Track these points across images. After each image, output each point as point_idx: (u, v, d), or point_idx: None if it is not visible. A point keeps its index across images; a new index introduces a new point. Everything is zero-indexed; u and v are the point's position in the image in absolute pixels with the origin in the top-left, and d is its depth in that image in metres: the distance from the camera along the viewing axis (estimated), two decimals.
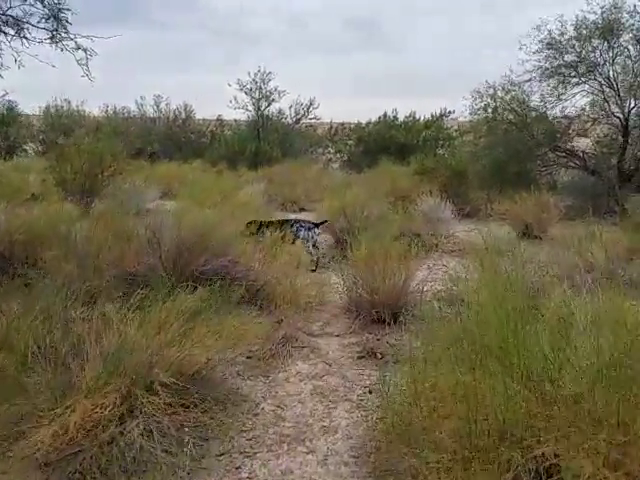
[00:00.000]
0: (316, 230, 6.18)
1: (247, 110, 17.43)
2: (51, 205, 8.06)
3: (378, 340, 4.11)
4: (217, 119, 19.26)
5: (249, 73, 17.07)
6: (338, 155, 16.40)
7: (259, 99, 17.10)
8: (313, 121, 18.14)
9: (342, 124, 16.71)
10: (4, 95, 8.03)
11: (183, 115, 20.44)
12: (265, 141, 16.05)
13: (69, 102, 22.38)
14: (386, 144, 14.53)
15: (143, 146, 19.16)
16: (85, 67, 4.27)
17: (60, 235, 4.67)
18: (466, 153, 11.00)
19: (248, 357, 3.76)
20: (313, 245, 6.09)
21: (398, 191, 8.95)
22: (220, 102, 21.21)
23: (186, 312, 3.12)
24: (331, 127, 16.47)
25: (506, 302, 2.54)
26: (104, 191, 9.68)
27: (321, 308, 4.85)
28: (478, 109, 10.32)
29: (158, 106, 20.59)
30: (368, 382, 3.46)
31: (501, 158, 9.90)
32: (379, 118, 16.26)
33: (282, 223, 6.15)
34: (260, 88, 17.03)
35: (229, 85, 16.95)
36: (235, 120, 18.18)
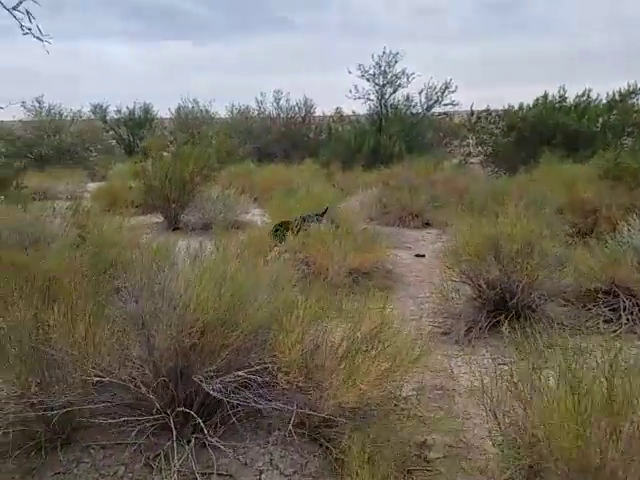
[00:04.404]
0: (323, 220, 6.06)
1: (369, 100, 15.10)
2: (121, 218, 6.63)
3: None
4: (336, 112, 17.24)
5: (372, 56, 14.72)
6: (480, 148, 13.18)
7: (383, 85, 14.62)
8: (449, 108, 15.09)
9: (487, 110, 13.38)
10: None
11: (303, 112, 18.96)
12: (387, 134, 13.56)
13: (197, 102, 22.56)
14: (549, 133, 11.00)
15: (262, 146, 18.14)
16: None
17: None
18: None
19: None
20: None
21: (578, 205, 5.90)
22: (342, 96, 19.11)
23: None
24: (472, 113, 13.31)
25: None
26: (193, 202, 8.26)
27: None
28: None
29: (278, 103, 19.42)
30: None
31: None
32: (537, 100, 12.64)
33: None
34: (385, 72, 14.55)
35: (349, 72, 14.79)
36: (354, 112, 15.95)
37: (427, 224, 7.76)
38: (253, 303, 2.37)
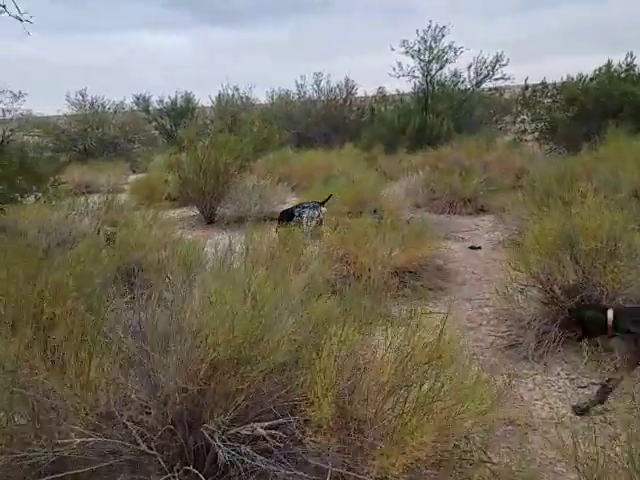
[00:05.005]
0: (322, 209, 5.84)
1: (413, 77, 14.19)
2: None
3: None
4: (378, 92, 16.37)
5: (417, 31, 13.76)
6: (535, 125, 12.08)
7: (429, 61, 13.68)
8: (500, 82, 13.97)
9: (543, 84, 12.20)
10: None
11: (344, 93, 18.21)
12: (433, 113, 12.68)
13: (237, 89, 22.25)
14: (615, 105, 9.85)
15: (301, 130, 17.62)
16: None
17: None
18: None
19: None
20: (319, 223, 5.48)
21: None
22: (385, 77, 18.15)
23: None
24: (526, 87, 12.18)
25: None
26: (228, 193, 7.89)
27: None
28: None
29: (318, 85, 18.76)
30: None
31: None
32: (599, 70, 11.37)
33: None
34: (430, 48, 13.60)
35: (392, 49, 13.91)
36: (397, 91, 15.03)
37: (481, 210, 7.05)
38: (276, 333, 1.90)
